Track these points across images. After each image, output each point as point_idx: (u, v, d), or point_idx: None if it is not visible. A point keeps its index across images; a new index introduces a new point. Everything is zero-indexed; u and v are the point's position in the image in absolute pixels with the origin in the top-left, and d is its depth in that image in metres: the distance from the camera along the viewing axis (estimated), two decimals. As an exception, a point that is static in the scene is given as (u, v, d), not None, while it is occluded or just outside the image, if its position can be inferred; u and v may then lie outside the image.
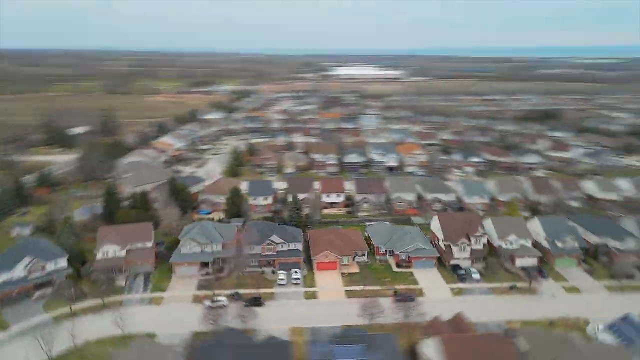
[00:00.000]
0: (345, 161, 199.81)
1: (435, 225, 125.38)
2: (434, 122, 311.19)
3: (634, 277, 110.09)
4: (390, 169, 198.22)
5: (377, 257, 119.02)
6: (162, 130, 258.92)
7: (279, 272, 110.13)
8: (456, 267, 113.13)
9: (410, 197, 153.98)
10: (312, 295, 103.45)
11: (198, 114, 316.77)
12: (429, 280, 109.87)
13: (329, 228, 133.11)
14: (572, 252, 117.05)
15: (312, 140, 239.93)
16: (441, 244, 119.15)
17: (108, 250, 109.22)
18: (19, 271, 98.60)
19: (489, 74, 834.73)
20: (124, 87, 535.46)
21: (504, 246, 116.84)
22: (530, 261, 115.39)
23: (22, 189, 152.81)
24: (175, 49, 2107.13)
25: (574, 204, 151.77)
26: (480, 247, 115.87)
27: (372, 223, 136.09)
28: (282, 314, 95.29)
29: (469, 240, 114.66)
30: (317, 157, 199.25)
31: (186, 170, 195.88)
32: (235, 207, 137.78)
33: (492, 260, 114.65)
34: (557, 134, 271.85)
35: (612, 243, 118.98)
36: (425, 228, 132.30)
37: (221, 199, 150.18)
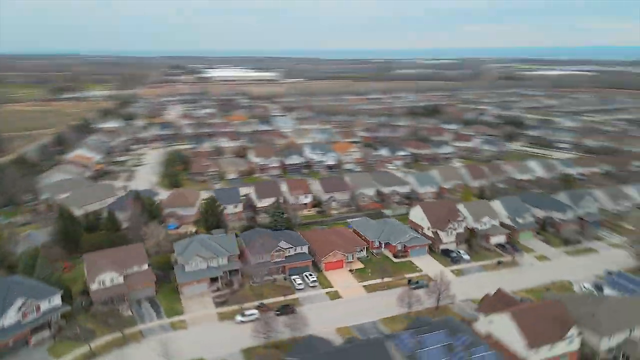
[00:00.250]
0: (286, 163, 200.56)
1: (416, 214, 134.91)
2: (340, 122, 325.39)
3: (581, 242, 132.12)
4: (330, 167, 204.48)
5: (373, 251, 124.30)
6: (62, 142, 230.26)
7: (294, 277, 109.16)
8: (447, 252, 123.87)
9: (371, 192, 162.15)
10: (335, 295, 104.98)
11: (92, 123, 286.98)
12: (429, 266, 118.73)
13: (315, 228, 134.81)
14: (530, 226, 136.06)
15: (238, 144, 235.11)
16: (427, 231, 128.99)
17: (105, 279, 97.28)
18: (11, 316, 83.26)
19: (355, 75, 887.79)
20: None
21: (479, 227, 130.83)
22: (501, 238, 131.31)
23: None
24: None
25: (501, 185, 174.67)
26: (462, 230, 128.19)
27: (354, 220, 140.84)
28: (319, 317, 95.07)
29: (454, 225, 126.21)
30: (258, 160, 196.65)
31: (116, 184, 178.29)
32: (213, 218, 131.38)
33: (472, 241, 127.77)
34: (449, 126, 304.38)
35: (556, 215, 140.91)
36: (399, 219, 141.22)
37: (188, 212, 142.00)
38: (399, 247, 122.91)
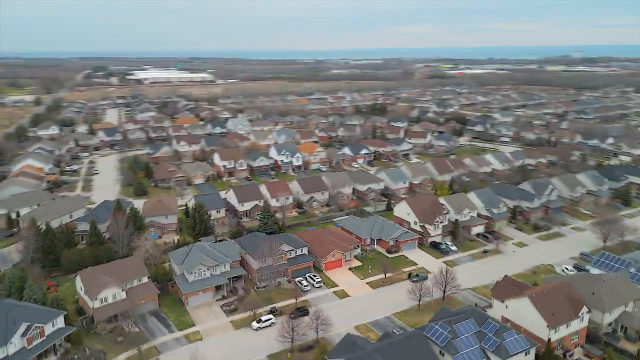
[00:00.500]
0: (254, 165, 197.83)
1: (401, 210, 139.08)
2: (292, 122, 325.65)
3: (550, 228, 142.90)
4: (298, 168, 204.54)
5: (366, 248, 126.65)
6: (0, 153, 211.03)
7: (298, 279, 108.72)
8: (436, 244, 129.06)
9: (348, 190, 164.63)
10: (343, 294, 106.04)
11: (28, 131, 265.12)
12: (422, 259, 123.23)
13: (306, 230, 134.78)
14: (504, 215, 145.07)
15: (197, 148, 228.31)
16: (415, 226, 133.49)
17: (107, 296, 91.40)
18: (16, 343, 76.12)
19: (288, 75, 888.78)
20: None
21: (460, 219, 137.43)
22: (481, 228, 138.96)
23: None
24: None
25: (465, 178, 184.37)
26: (446, 223, 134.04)
27: (341, 219, 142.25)
28: (333, 317, 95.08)
29: (440, 219, 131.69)
30: (225, 164, 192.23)
31: (76, 195, 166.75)
32: (201, 225, 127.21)
33: (456, 232, 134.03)
34: (397, 124, 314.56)
35: (524, 204, 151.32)
36: (381, 215, 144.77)
37: (169, 220, 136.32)
38: (391, 243, 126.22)
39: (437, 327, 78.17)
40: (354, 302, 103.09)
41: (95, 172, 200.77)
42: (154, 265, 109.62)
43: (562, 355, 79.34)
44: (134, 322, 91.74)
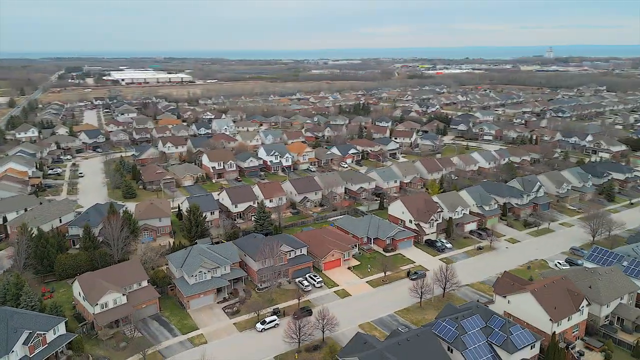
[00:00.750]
0: (244, 166, 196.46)
1: (396, 209, 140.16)
2: (277, 122, 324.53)
3: (540, 224, 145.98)
4: (288, 168, 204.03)
5: (363, 247, 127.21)
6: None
7: (298, 279, 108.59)
8: (432, 242, 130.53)
9: (340, 190, 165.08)
10: (344, 294, 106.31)
11: (4, 134, 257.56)
12: (419, 257, 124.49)
13: (302, 230, 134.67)
14: (495, 212, 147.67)
15: (184, 149, 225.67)
16: (410, 224, 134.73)
17: (108, 301, 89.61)
18: (18, 352, 74.05)
19: (268, 75, 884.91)
20: None
21: (454, 217, 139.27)
22: (473, 225, 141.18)
23: None
24: None
25: (454, 177, 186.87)
26: (440, 221, 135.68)
27: (337, 218, 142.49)
28: (337, 317, 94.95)
29: (435, 217, 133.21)
30: (214, 165, 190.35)
31: (64, 199, 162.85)
32: (197, 227, 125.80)
33: (450, 230, 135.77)
34: (382, 124, 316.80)
35: (514, 201, 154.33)
36: (375, 214, 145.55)
37: (162, 223, 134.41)
38: (388, 242, 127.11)
39: (444, 323, 79.10)
40: (355, 301, 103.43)
41: (80, 175, 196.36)
42: (152, 269, 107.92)
43: (564, 348, 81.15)
44: (136, 327, 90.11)
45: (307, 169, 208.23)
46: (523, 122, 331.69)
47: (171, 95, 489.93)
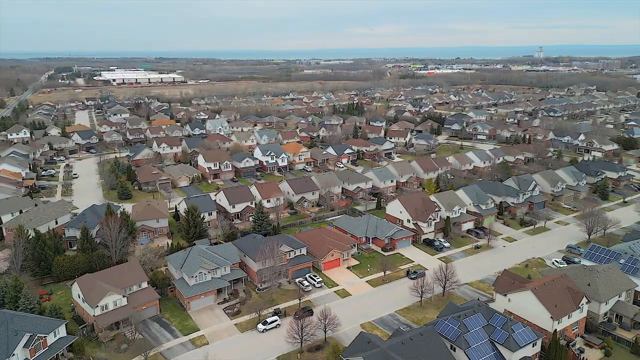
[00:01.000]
0: (240, 167, 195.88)
1: (393, 208, 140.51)
2: (271, 122, 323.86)
3: (536, 223, 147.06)
4: (284, 168, 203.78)
5: (362, 247, 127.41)
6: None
7: (298, 279, 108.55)
8: (430, 241, 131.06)
9: (337, 190, 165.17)
10: (345, 293, 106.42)
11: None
12: (418, 256, 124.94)
13: (300, 230, 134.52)
14: (492, 211, 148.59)
15: (179, 150, 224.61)
16: (408, 223, 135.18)
17: (108, 303, 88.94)
18: (19, 355, 73.31)
19: (260, 75, 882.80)
20: None
21: (451, 216, 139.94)
22: (470, 224, 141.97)
23: None
24: None
25: (449, 176, 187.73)
26: (438, 220, 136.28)
27: (335, 218, 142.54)
28: (338, 316, 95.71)
29: (433, 216, 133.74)
30: (210, 165, 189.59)
31: (60, 200, 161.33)
32: (195, 228, 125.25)
33: (448, 229, 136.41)
34: (376, 123, 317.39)
35: (510, 200, 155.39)
36: (372, 213, 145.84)
37: (160, 224, 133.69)
38: (386, 241, 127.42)
39: (447, 322, 79.46)
40: (355, 301, 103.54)
41: (74, 176, 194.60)
42: (151, 270, 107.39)
43: (565, 346, 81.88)
44: (137, 329, 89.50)
45: (303, 169, 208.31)
46: (516, 121, 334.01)
47: (163, 96, 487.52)
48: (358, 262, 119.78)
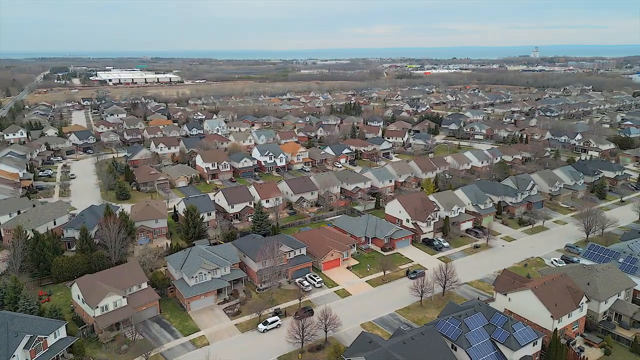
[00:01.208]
0: (238, 167, 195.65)
1: (393, 208, 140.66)
2: (269, 122, 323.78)
3: (534, 222, 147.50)
4: (282, 169, 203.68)
5: (362, 247, 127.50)
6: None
7: (298, 279, 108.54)
8: (429, 241, 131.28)
9: (336, 190, 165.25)
10: (345, 293, 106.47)
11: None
12: (417, 256, 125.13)
13: (300, 230, 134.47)
14: (490, 211, 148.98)
15: (177, 150, 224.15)
16: (407, 223, 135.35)
17: (108, 304, 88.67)
18: (19, 356, 73.06)
19: (256, 75, 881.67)
20: None
21: (450, 216, 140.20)
22: (469, 224, 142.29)
23: None
24: None
25: (448, 176, 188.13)
26: (437, 220, 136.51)
27: (335, 218, 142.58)
28: (338, 316, 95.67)
29: (432, 216, 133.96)
30: (208, 165, 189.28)
31: (58, 201, 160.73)
32: (195, 229, 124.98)
33: (447, 229, 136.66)
34: (374, 123, 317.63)
35: (508, 199, 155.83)
36: (371, 213, 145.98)
37: (159, 224, 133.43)
38: (385, 241, 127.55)
39: (447, 321, 79.59)
40: (356, 301, 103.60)
41: (72, 176, 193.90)
42: (150, 271, 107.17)
43: (565, 345, 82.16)
44: (137, 330, 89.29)
45: (302, 169, 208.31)
46: (513, 121, 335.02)
47: (160, 96, 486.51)
48: (358, 262, 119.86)
